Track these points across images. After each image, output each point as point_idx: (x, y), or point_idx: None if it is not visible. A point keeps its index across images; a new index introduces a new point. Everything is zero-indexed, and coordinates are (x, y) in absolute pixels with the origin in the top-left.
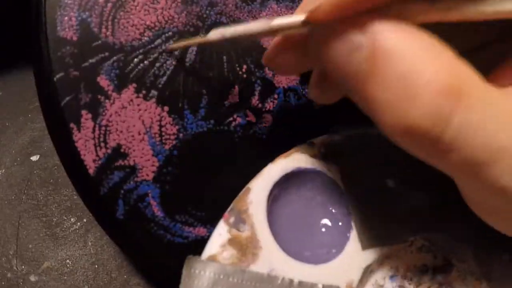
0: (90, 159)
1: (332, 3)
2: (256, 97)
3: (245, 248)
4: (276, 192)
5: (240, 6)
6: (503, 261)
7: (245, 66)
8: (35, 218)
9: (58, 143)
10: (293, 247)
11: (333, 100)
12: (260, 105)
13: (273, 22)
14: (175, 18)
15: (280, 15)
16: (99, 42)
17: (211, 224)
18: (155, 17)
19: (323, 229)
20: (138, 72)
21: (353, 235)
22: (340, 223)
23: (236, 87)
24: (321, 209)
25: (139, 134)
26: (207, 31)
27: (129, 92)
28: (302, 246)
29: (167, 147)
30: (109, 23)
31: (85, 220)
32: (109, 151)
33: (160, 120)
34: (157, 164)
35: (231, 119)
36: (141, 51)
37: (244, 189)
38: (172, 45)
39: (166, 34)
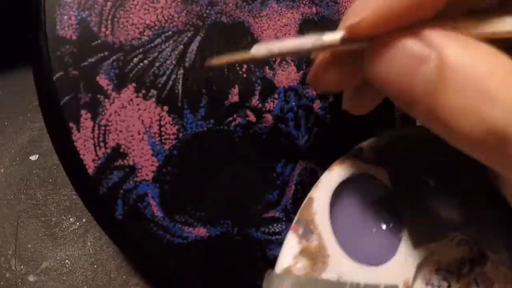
0: (90, 158)
1: (374, 16)
2: (256, 97)
3: (315, 257)
4: (333, 199)
5: (240, 6)
6: None
7: (245, 66)
8: (34, 218)
9: (57, 143)
10: (352, 251)
11: (368, 109)
12: (260, 105)
13: (325, 38)
14: (175, 18)
15: (281, 15)
16: (99, 41)
17: (211, 224)
18: (155, 16)
19: (377, 232)
20: (137, 71)
21: (405, 235)
22: (391, 225)
23: (236, 86)
24: (374, 212)
25: (139, 133)
26: (207, 30)
27: (128, 91)
28: (360, 249)
29: (166, 147)
30: (109, 22)
31: (84, 220)
32: (108, 150)
33: (160, 120)
34: (156, 164)
35: (231, 119)
36: (140, 50)
37: (306, 199)
38: (213, 60)
39: (166, 34)
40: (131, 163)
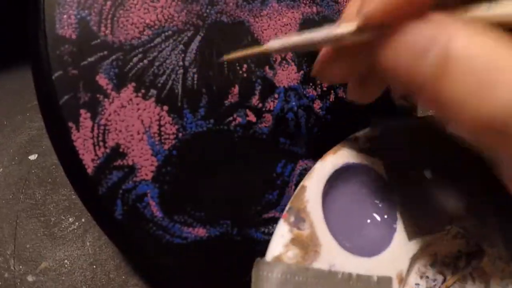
0: (89, 158)
1: (386, 4)
2: (257, 97)
3: (307, 246)
4: (326, 188)
5: (241, 5)
6: None
7: (245, 65)
8: (33, 218)
9: (57, 142)
10: (345, 241)
11: (372, 99)
12: (260, 105)
13: (337, 30)
14: (175, 17)
15: (281, 14)
16: (98, 40)
17: (211, 224)
18: (154, 16)
19: (371, 222)
20: (137, 71)
21: (399, 227)
22: (386, 216)
23: (236, 86)
24: (368, 203)
25: (138, 133)
26: (207, 30)
27: (128, 91)
28: (353, 240)
29: (166, 146)
30: (109, 21)
31: (83, 220)
32: (107, 150)
33: (160, 120)
34: (156, 163)
35: (231, 118)
36: (140, 50)
37: (298, 188)
38: (228, 55)
39: (166, 33)
40: (130, 163)
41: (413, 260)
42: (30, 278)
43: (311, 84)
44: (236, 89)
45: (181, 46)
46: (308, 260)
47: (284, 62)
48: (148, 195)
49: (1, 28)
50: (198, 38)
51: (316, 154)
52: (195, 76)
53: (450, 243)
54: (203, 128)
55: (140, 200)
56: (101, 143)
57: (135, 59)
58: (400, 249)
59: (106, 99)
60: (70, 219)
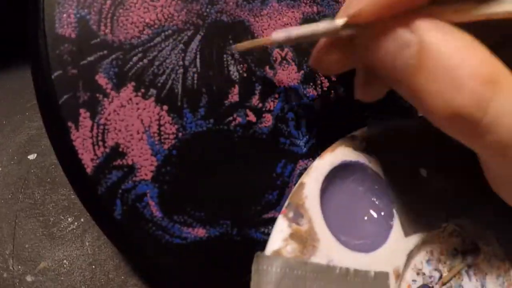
0: (88, 158)
1: (373, 4)
2: (257, 97)
3: (305, 240)
4: (324, 185)
5: (241, 4)
6: None
7: (245, 65)
8: (32, 218)
9: (56, 142)
10: (342, 237)
11: (378, 96)
12: (260, 105)
13: (337, 22)
14: (175, 16)
15: (281, 14)
16: (98, 39)
17: (210, 224)
18: (154, 15)
19: (368, 219)
20: (137, 70)
21: (396, 223)
22: (382, 213)
23: (236, 86)
24: (365, 200)
25: (138, 133)
26: (207, 29)
27: (128, 90)
28: (350, 236)
29: (166, 146)
30: (108, 20)
31: (82, 220)
32: (107, 150)
33: (159, 119)
34: (155, 163)
35: (231, 118)
36: (140, 49)
37: (297, 184)
38: (237, 45)
39: (166, 32)
40: (130, 162)
41: (410, 256)
42: (29, 278)
43: (311, 84)
44: (236, 89)
45: (181, 46)
46: (307, 255)
47: (285, 62)
48: (148, 195)
49: (0, 27)
50: (198, 37)
51: (317, 154)
52: (195, 75)
53: (446, 240)
54: (203, 128)
55: (139, 200)
56: (100, 143)
57: (134, 59)
58: (396, 246)
59: (105, 99)
60: (69, 219)
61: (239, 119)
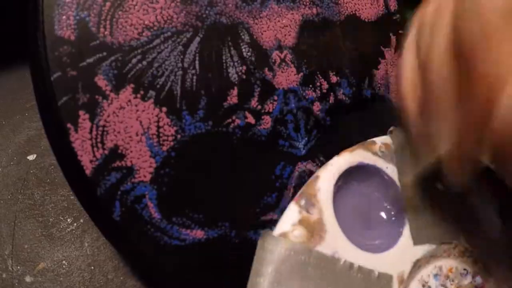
0: (87, 159)
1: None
2: (256, 99)
3: (313, 229)
4: (340, 183)
5: (240, 6)
6: None
7: (244, 67)
8: (31, 218)
9: (55, 144)
10: (352, 235)
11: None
12: (259, 107)
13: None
14: (174, 18)
15: (280, 15)
16: (97, 41)
17: (209, 226)
18: (153, 17)
19: (379, 222)
20: (136, 72)
21: (406, 231)
22: (394, 219)
23: (235, 88)
24: (378, 204)
25: (137, 135)
26: (207, 31)
27: (127, 92)
28: (360, 235)
29: (164, 148)
30: (108, 22)
31: (81, 220)
32: (106, 151)
33: (158, 121)
34: (154, 165)
35: (229, 120)
36: (139, 51)
37: (313, 176)
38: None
39: (165, 34)
40: (128, 164)
41: (417, 265)
42: (28, 279)
43: (310, 86)
44: (235, 91)
45: (180, 48)
46: (313, 243)
47: (284, 64)
48: (146, 196)
49: (0, 27)
50: (197, 39)
51: (315, 157)
52: (194, 77)
53: (456, 259)
54: (201, 129)
55: (138, 201)
56: (99, 144)
57: (134, 60)
58: (404, 252)
59: (104, 100)
60: (68, 220)
61: (238, 121)
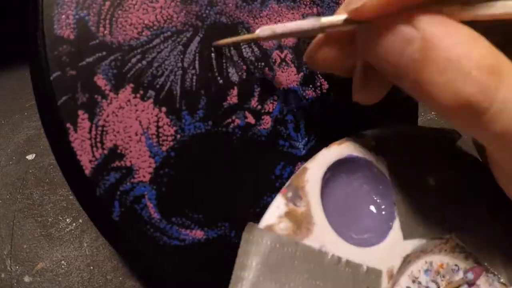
0: (86, 159)
1: (376, 2)
2: (256, 99)
3: (300, 222)
4: (328, 175)
5: (240, 6)
6: None
7: (244, 67)
8: (30, 218)
9: (54, 143)
10: (340, 228)
11: (377, 99)
12: (259, 107)
13: (323, 20)
14: (174, 18)
15: (281, 15)
16: (97, 41)
17: (208, 226)
18: (153, 16)
19: (368, 216)
20: (135, 72)
21: (396, 225)
22: (383, 212)
23: (235, 88)
24: (367, 197)
25: (136, 135)
26: (207, 31)
27: (126, 92)
28: (348, 229)
29: (164, 148)
30: (107, 21)
31: (80, 220)
32: (105, 151)
33: (158, 121)
34: (154, 165)
35: (229, 120)
36: (139, 50)
37: (301, 168)
38: (220, 41)
39: (165, 34)
40: (128, 164)
41: (406, 260)
42: (26, 279)
43: (310, 86)
44: (235, 91)
45: (180, 47)
46: (300, 236)
47: (284, 63)
48: (146, 196)
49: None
50: (197, 39)
51: None
52: (194, 77)
53: (447, 254)
54: (201, 129)
55: (137, 201)
56: (98, 144)
57: (133, 60)
58: (393, 246)
59: (104, 100)
60: (67, 220)
61: (237, 121)
